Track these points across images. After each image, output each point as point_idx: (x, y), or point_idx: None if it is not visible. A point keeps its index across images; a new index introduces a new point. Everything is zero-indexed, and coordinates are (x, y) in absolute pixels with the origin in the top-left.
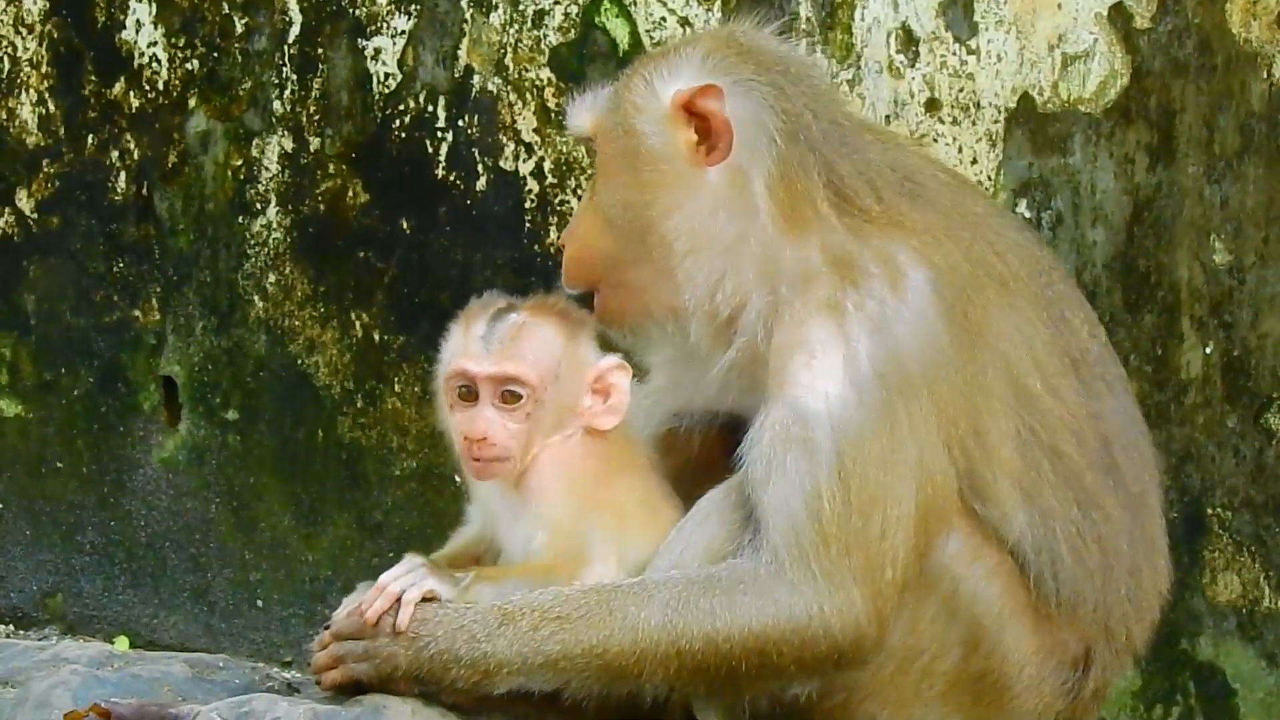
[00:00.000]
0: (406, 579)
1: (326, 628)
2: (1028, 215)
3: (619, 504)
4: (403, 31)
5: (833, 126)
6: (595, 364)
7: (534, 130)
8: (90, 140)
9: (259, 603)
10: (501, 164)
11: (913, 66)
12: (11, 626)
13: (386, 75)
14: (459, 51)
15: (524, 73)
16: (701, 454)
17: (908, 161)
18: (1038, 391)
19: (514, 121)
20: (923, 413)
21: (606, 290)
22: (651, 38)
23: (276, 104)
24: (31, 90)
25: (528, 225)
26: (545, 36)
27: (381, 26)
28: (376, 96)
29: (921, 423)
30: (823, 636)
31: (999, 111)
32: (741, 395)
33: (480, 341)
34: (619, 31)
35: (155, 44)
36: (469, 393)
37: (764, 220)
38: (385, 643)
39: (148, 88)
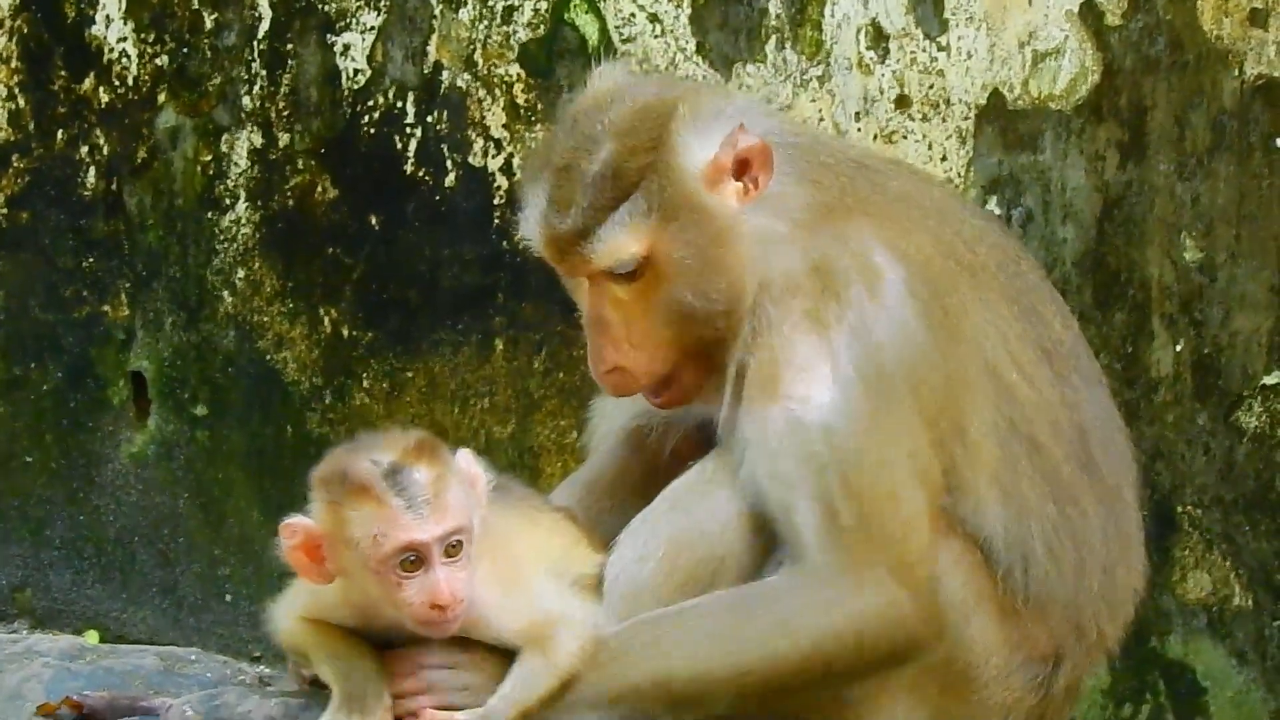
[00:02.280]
0: None
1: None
2: (998, 212)
3: (532, 553)
4: (372, 27)
5: (798, 128)
6: (470, 470)
7: (503, 126)
8: (60, 135)
9: (228, 598)
10: (470, 160)
11: (882, 63)
12: None
13: (356, 71)
14: (428, 48)
15: (493, 69)
16: (671, 450)
17: (864, 157)
18: (1014, 382)
19: (483, 118)
20: (909, 415)
21: (676, 369)
22: (620, 34)
23: (246, 99)
24: (1, 85)
25: (496, 221)
26: (515, 33)
27: (351, 22)
28: (346, 92)
29: (909, 425)
30: (878, 639)
31: (969, 108)
32: (725, 403)
33: (407, 511)
34: (588, 28)
35: (125, 39)
36: (414, 562)
37: (771, 234)
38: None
39: (117, 83)
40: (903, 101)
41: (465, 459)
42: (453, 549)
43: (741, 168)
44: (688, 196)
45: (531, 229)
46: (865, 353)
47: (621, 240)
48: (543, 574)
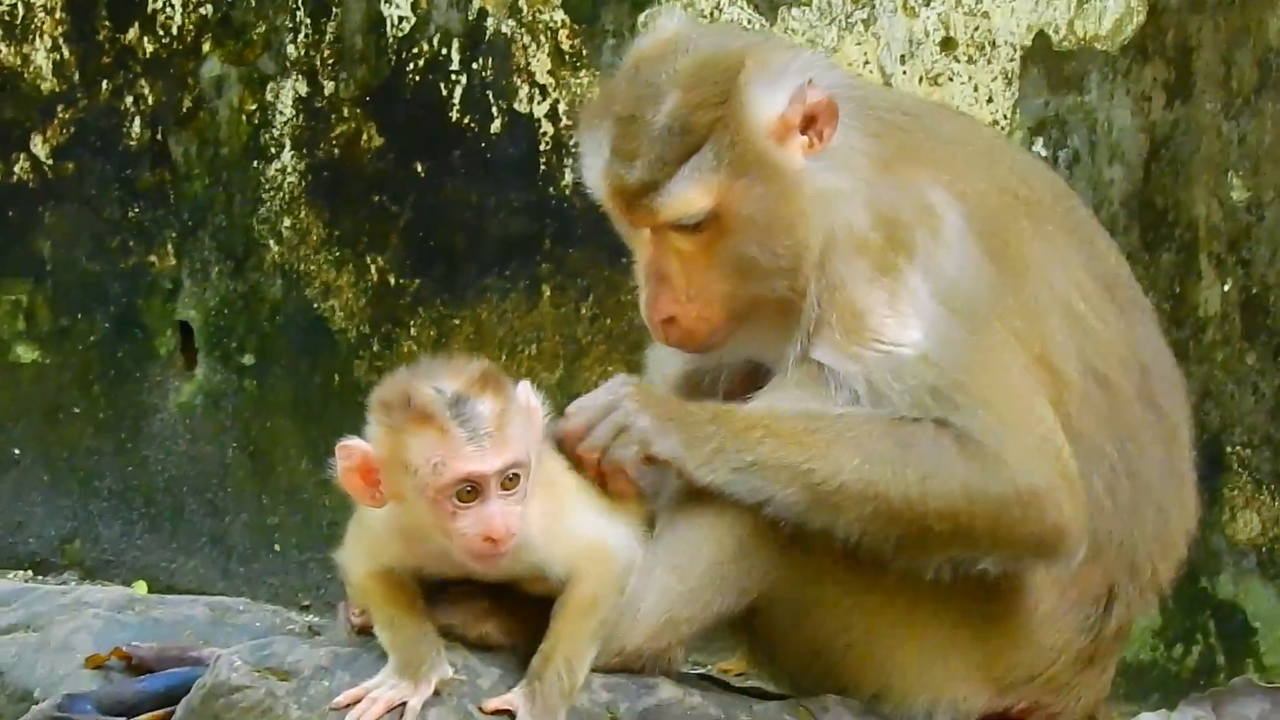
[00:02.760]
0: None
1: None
2: (1044, 154)
3: (578, 488)
4: None
5: (854, 80)
6: (529, 403)
7: (548, 72)
8: (105, 86)
9: (276, 547)
10: (516, 106)
11: (928, 5)
12: (30, 572)
13: (400, 19)
14: None
15: (538, 15)
16: (725, 394)
17: (915, 105)
18: (1083, 313)
19: (528, 64)
20: (1004, 336)
21: (728, 324)
22: None
23: (290, 48)
24: (46, 36)
25: (542, 168)
26: None
27: None
28: (390, 40)
29: (1007, 344)
30: (1026, 516)
31: (1015, 50)
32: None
33: (469, 442)
34: None
35: None
36: (470, 493)
37: (835, 189)
38: (625, 414)
39: (162, 33)
40: (948, 44)
41: (525, 392)
42: (509, 482)
43: (808, 123)
44: (757, 152)
45: (596, 179)
46: (943, 289)
47: (691, 194)
48: (588, 507)
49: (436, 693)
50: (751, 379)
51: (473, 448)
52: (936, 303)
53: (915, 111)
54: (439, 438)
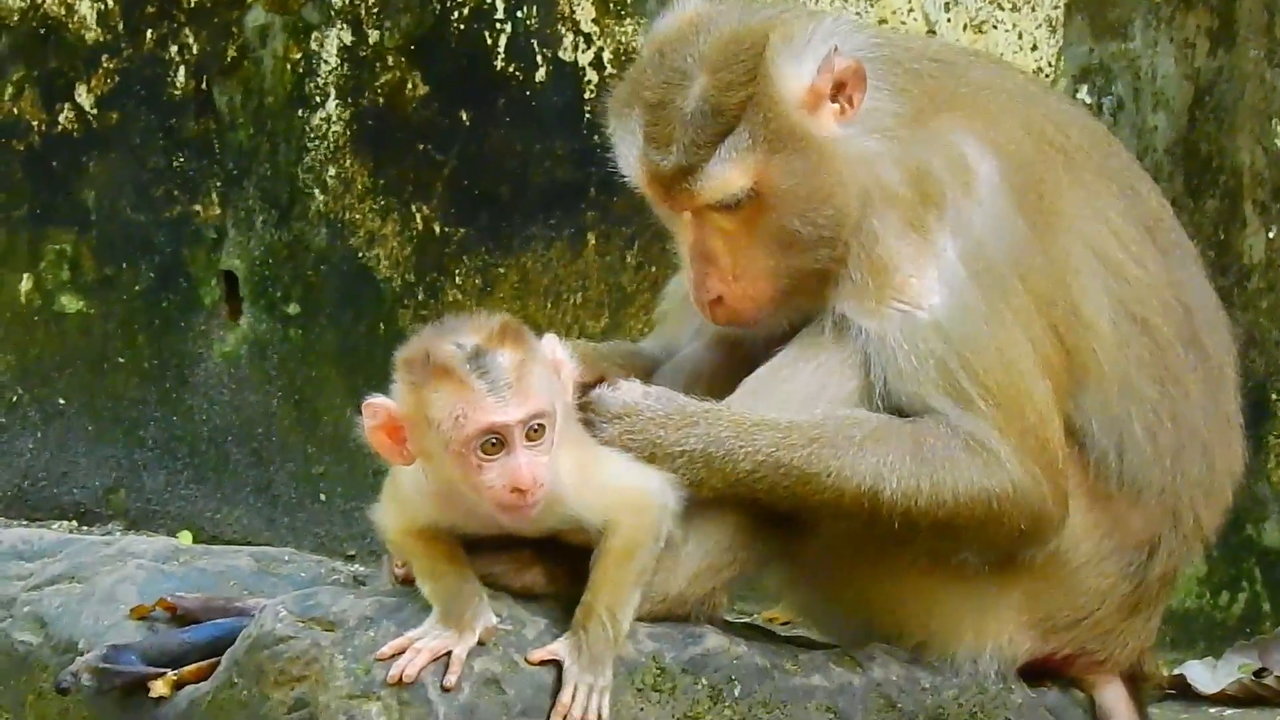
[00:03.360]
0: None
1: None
2: (1088, 101)
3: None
4: None
5: (880, 37)
6: (555, 356)
7: (593, 21)
8: (149, 35)
9: (321, 497)
10: (561, 55)
11: None
12: (75, 523)
13: None
14: None
15: None
16: (753, 350)
17: (943, 52)
18: (1121, 261)
19: (573, 12)
20: (1023, 303)
21: (775, 299)
22: None
23: None
24: None
25: (587, 116)
26: None
27: None
28: None
29: (1025, 313)
30: (1010, 511)
31: None
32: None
33: (489, 394)
34: None
35: None
36: (495, 445)
37: (868, 151)
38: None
39: None
40: None
41: (551, 344)
42: (534, 433)
43: (837, 89)
44: (790, 126)
45: (631, 167)
46: (969, 250)
47: (730, 175)
48: (621, 456)
49: (481, 642)
50: (788, 333)
51: (494, 399)
52: (961, 265)
53: (947, 59)
54: (459, 391)
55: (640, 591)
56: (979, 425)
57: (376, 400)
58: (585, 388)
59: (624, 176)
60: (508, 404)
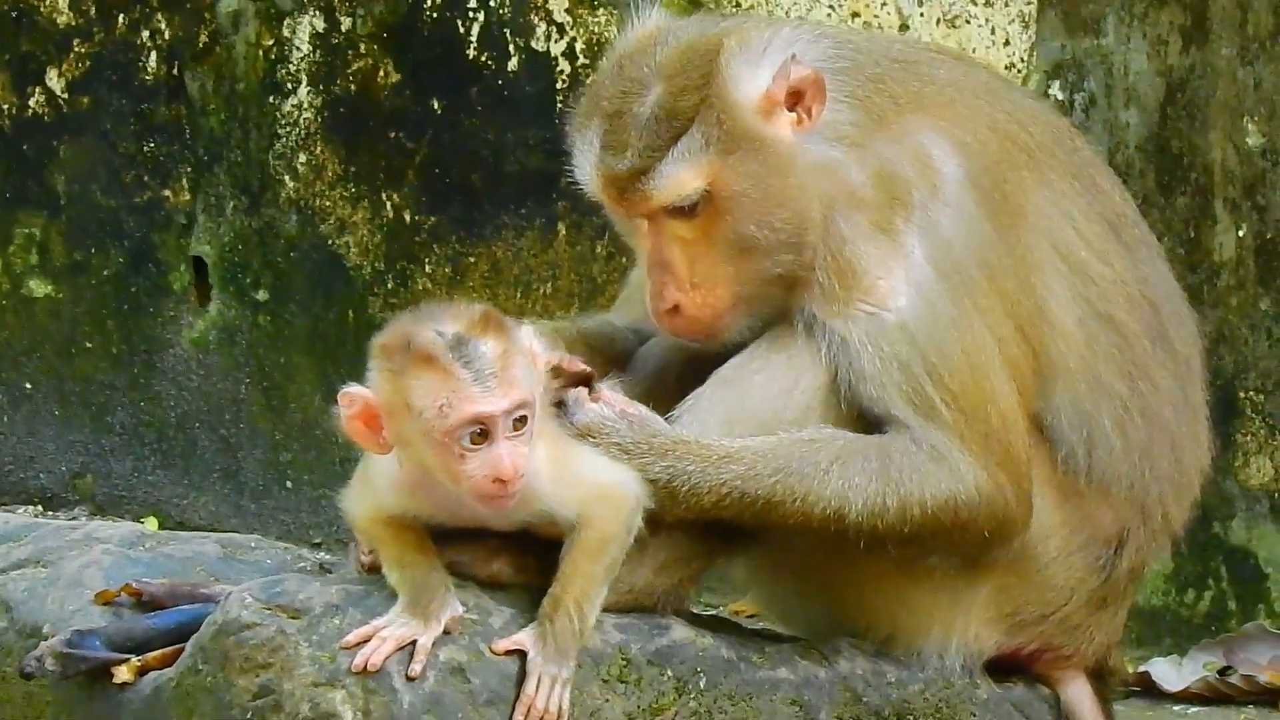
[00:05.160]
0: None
1: None
2: (1060, 97)
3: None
4: None
5: (842, 41)
6: (533, 348)
7: (566, 10)
8: (121, 20)
9: (289, 484)
10: (533, 44)
11: None
12: (40, 507)
13: None
14: None
15: None
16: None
17: (907, 51)
18: (1085, 259)
19: (545, 2)
20: (990, 305)
21: (734, 309)
22: None
23: None
24: None
25: (559, 105)
26: None
27: None
28: None
29: (992, 315)
30: (975, 517)
31: None
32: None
33: (475, 383)
34: None
35: None
36: (480, 435)
37: (829, 160)
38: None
39: None
40: None
41: (527, 335)
42: (518, 423)
43: (794, 98)
44: (744, 129)
45: (587, 173)
46: (936, 251)
47: (682, 175)
48: (593, 450)
49: (447, 631)
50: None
51: (479, 389)
52: (929, 266)
53: (909, 59)
54: (443, 380)
55: (608, 585)
56: (942, 435)
57: (353, 389)
58: (558, 372)
59: (581, 186)
60: (493, 394)
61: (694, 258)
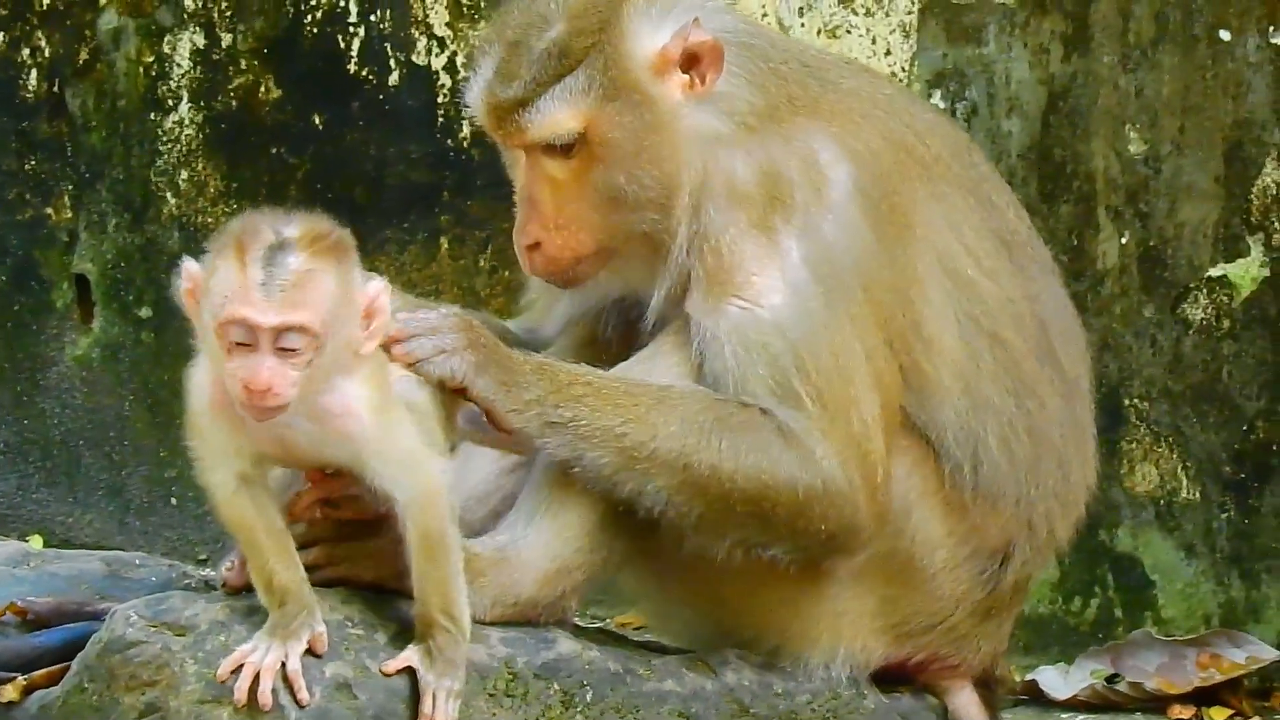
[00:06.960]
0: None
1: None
2: (942, 106)
3: (408, 401)
4: None
5: (754, 28)
6: (365, 292)
7: (446, 25)
8: (1, 37)
9: (173, 500)
10: (414, 59)
11: None
12: None
13: None
14: None
15: None
16: (616, 342)
17: (816, 58)
18: (973, 277)
19: (426, 16)
20: (862, 314)
21: (595, 256)
22: None
23: (188, 0)
24: None
25: (440, 119)
26: None
27: None
28: None
29: (863, 324)
30: (826, 513)
31: (912, 2)
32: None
33: (260, 289)
34: None
35: None
36: (246, 344)
37: (714, 133)
38: (451, 341)
39: None
40: None
41: (374, 287)
42: (288, 350)
43: (690, 61)
44: (630, 81)
45: (474, 97)
46: (814, 254)
47: (559, 114)
48: (415, 424)
49: (309, 650)
50: (631, 335)
51: (260, 294)
52: (806, 269)
53: (814, 64)
54: (236, 273)
55: (464, 581)
56: (799, 421)
57: (190, 262)
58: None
59: (466, 108)
60: (270, 304)
61: (563, 199)
